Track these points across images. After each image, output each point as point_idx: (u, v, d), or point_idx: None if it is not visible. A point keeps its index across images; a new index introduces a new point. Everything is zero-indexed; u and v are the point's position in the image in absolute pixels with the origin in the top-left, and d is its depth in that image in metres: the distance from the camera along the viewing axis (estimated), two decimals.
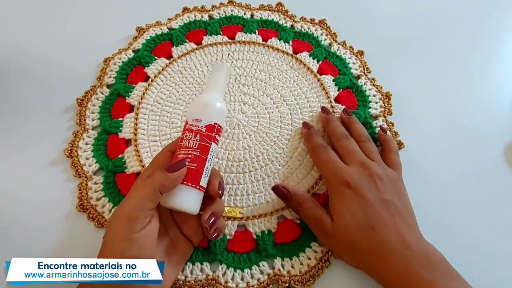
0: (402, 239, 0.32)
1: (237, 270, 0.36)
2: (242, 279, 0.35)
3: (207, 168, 0.32)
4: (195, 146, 0.32)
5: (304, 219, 0.37)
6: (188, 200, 0.31)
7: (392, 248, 0.31)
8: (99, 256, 0.29)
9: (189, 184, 0.31)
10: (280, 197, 0.37)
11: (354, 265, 0.35)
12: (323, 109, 0.43)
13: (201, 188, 0.32)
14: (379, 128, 0.43)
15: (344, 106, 0.45)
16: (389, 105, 0.46)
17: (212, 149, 0.33)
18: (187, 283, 0.35)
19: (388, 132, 0.43)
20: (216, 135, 0.33)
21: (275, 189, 0.37)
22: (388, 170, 0.37)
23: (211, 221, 0.32)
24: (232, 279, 0.35)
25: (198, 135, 0.32)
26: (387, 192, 0.34)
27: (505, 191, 0.41)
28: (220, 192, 0.33)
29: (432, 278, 0.30)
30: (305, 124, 0.42)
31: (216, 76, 0.36)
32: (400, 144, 0.43)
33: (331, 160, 0.37)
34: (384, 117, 0.46)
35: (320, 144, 0.39)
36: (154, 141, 0.43)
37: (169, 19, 0.54)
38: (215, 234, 0.33)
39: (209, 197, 0.33)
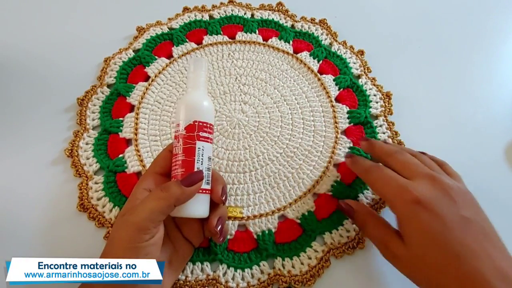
0: (497, 269, 0.26)
1: (238, 270, 0.36)
2: (242, 279, 0.35)
3: (198, 169, 0.31)
4: (180, 151, 0.32)
5: (370, 239, 0.34)
6: (192, 207, 0.31)
7: (485, 280, 0.26)
8: None
9: None
10: (345, 214, 0.36)
11: None
12: (364, 139, 0.38)
13: (200, 191, 0.31)
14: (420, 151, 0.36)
15: (344, 106, 0.45)
16: (390, 105, 0.46)
17: (199, 148, 0.32)
18: (188, 283, 0.35)
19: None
20: (200, 133, 0.32)
21: (339, 206, 0.36)
22: (458, 183, 0.31)
23: (219, 227, 0.32)
24: (233, 278, 0.35)
25: (181, 139, 0.32)
26: (466, 208, 0.29)
27: (505, 191, 0.41)
28: (224, 198, 0.33)
29: None
30: (346, 155, 0.38)
31: (191, 74, 0.34)
32: (400, 144, 0.43)
33: (390, 177, 0.31)
34: (385, 116, 0.45)
35: (371, 164, 0.34)
36: (154, 141, 0.43)
37: (169, 18, 0.54)
38: (221, 238, 0.33)
39: (213, 202, 0.33)
